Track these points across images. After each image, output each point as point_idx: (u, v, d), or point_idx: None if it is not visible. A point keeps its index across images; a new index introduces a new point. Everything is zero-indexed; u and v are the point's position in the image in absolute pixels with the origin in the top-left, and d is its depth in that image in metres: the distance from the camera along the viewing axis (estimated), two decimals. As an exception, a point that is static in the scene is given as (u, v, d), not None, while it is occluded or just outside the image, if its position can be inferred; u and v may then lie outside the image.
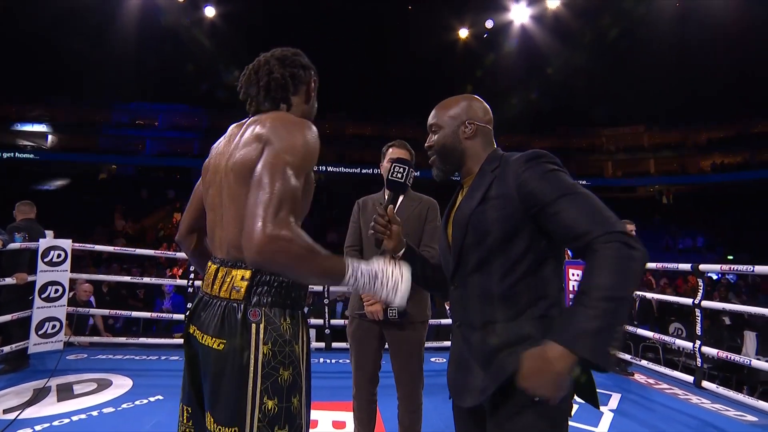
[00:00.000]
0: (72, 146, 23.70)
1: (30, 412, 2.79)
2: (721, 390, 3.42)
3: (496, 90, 23.56)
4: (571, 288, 4.81)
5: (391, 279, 0.97)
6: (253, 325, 0.98)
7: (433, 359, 4.15)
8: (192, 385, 1.08)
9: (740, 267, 3.33)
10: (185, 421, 1.10)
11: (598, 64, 23.61)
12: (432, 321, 2.22)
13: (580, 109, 25.99)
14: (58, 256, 3.99)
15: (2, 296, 3.84)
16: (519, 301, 1.03)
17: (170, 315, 4.82)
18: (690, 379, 3.66)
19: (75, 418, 2.74)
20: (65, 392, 3.17)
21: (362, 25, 22.89)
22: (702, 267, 3.52)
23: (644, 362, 4.19)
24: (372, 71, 23.90)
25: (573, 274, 4.85)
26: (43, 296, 3.89)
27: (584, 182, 26.58)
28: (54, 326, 3.93)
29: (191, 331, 1.07)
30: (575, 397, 1.05)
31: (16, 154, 22.61)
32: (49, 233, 4.07)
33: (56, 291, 3.97)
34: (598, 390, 1.04)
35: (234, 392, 0.95)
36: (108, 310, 4.93)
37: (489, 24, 22.39)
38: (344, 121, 26.95)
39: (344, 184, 24.96)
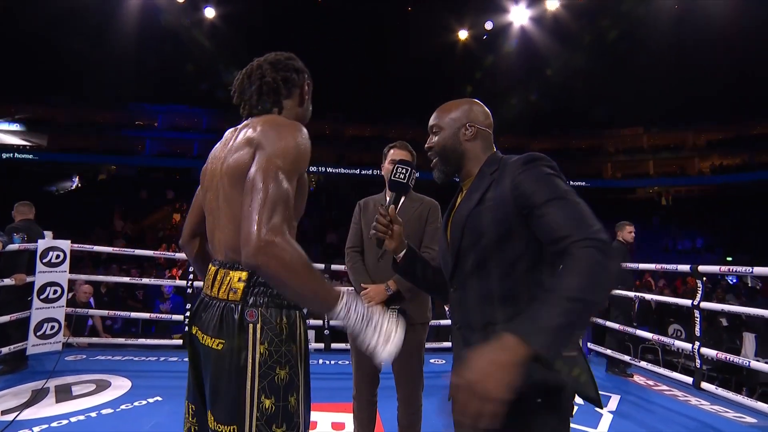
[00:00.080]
0: (72, 146, 23.68)
1: (28, 414, 2.78)
2: (721, 391, 3.42)
3: (495, 91, 23.58)
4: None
5: (384, 330, 0.92)
6: (250, 326, 1.00)
7: (432, 360, 4.15)
8: (196, 384, 1.11)
9: (739, 268, 3.33)
10: (190, 419, 1.13)
11: (598, 65, 23.64)
12: (432, 322, 2.21)
13: (579, 110, 26.00)
14: (57, 256, 3.98)
15: (1, 297, 3.82)
16: (518, 303, 1.03)
17: (169, 316, 4.81)
18: (689, 380, 3.66)
19: (73, 419, 2.74)
20: (64, 393, 3.16)
21: (362, 26, 22.90)
22: (701, 268, 3.53)
23: (643, 363, 4.19)
24: (371, 72, 23.90)
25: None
26: (41, 297, 3.88)
27: (583, 183, 26.65)
28: (53, 327, 3.92)
29: (194, 331, 1.10)
30: (576, 397, 1.05)
31: (15, 154, 22.59)
32: (48, 234, 4.06)
33: (55, 292, 3.96)
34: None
35: (233, 391, 0.98)
36: (107, 311, 4.93)
37: (489, 25, 22.42)
38: (343, 122, 26.96)
39: (343, 185, 24.95)
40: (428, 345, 2.29)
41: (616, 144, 27.94)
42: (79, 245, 4.28)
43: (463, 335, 1.12)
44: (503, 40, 23.25)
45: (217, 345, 1.01)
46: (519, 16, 21.75)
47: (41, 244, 3.93)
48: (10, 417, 2.68)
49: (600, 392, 1.06)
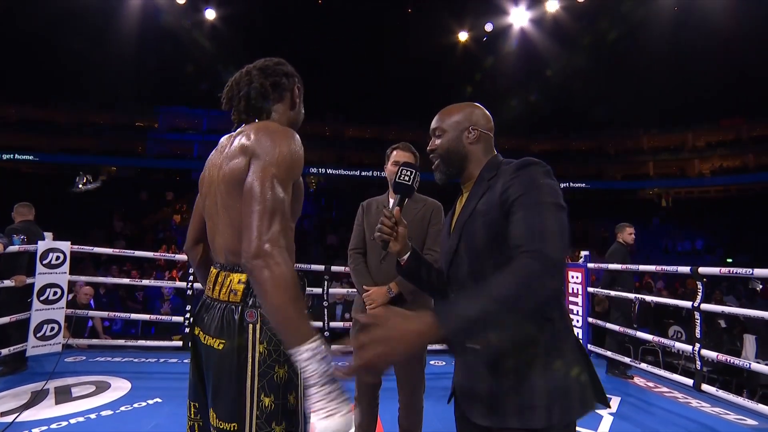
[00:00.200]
0: (72, 147, 23.70)
1: (28, 415, 2.78)
2: (721, 393, 3.41)
3: (495, 93, 23.61)
4: (570, 291, 4.81)
5: (332, 404, 0.86)
6: (250, 326, 1.04)
7: (432, 362, 4.15)
8: (198, 383, 1.15)
9: (739, 270, 3.33)
10: (193, 416, 1.17)
11: (597, 67, 23.67)
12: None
13: (579, 111, 26.04)
14: (57, 258, 3.98)
15: (1, 298, 3.82)
16: None
17: (169, 317, 4.81)
18: (690, 382, 3.66)
19: (73, 420, 2.73)
20: (63, 395, 3.16)
21: (362, 27, 22.93)
22: (701, 270, 3.52)
23: (644, 365, 4.18)
24: (371, 74, 23.92)
25: (572, 277, 4.85)
26: (41, 298, 3.88)
27: (583, 185, 26.65)
28: (52, 328, 3.92)
29: (196, 332, 1.14)
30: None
31: (16, 155, 22.60)
32: (48, 235, 4.06)
33: (55, 293, 3.96)
34: None
35: (234, 390, 1.01)
36: (107, 313, 4.92)
37: (488, 27, 22.44)
38: (343, 123, 26.99)
39: (343, 186, 24.98)
40: (429, 347, 2.28)
41: (615, 145, 27.96)
42: (79, 246, 4.27)
43: None
44: (503, 42, 23.28)
45: (219, 345, 1.04)
46: (519, 18, 21.77)
47: (41, 246, 3.92)
48: (9, 418, 2.68)
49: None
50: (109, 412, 2.88)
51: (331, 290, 4.56)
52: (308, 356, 0.88)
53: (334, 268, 4.63)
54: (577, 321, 4.61)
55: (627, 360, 4.24)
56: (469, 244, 1.09)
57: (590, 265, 4.79)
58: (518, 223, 0.97)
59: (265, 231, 0.93)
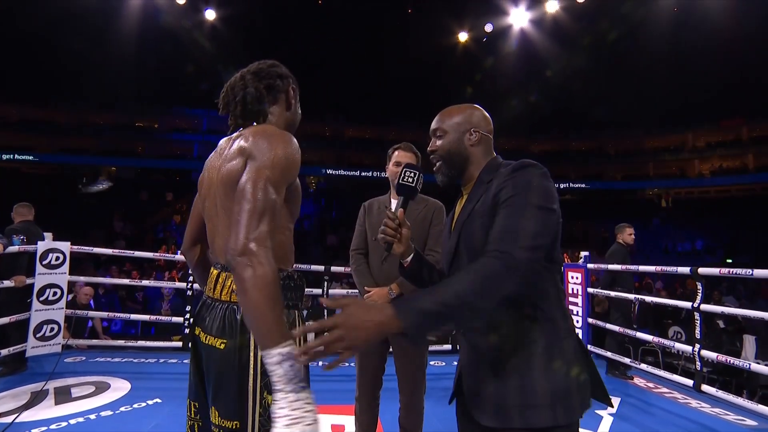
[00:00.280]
0: (72, 148, 23.69)
1: (27, 416, 2.78)
2: (721, 394, 3.42)
3: (495, 93, 23.60)
4: (570, 291, 4.81)
5: (300, 410, 0.85)
6: None
7: (432, 362, 4.15)
8: (198, 383, 1.16)
9: (739, 270, 3.33)
10: (193, 416, 1.18)
11: (597, 67, 23.68)
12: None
13: (579, 112, 26.04)
14: (57, 258, 3.98)
15: (0, 299, 3.82)
16: (519, 306, 1.04)
17: (169, 318, 4.81)
18: (689, 382, 3.66)
19: (73, 421, 2.73)
20: (63, 395, 3.16)
21: (362, 27, 22.93)
22: (701, 270, 3.52)
23: (644, 366, 4.18)
24: (371, 74, 23.92)
25: (572, 277, 4.85)
26: (41, 299, 3.88)
27: (583, 185, 26.61)
28: (52, 329, 3.92)
29: (196, 332, 1.16)
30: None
31: (16, 155, 22.60)
32: (48, 235, 4.06)
33: (55, 294, 3.96)
34: None
35: (235, 388, 1.03)
36: (107, 313, 4.92)
37: (488, 28, 22.44)
38: (343, 124, 26.99)
39: (343, 187, 24.98)
40: (430, 348, 2.29)
41: (615, 146, 27.96)
42: (79, 247, 4.27)
43: (467, 339, 1.13)
44: (503, 42, 23.28)
45: (220, 344, 1.06)
46: (519, 19, 21.78)
47: (41, 246, 3.92)
48: (9, 419, 2.68)
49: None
50: (109, 413, 2.88)
51: (331, 291, 4.56)
52: (278, 360, 0.87)
53: (333, 269, 4.63)
54: (577, 321, 4.61)
55: (627, 360, 4.24)
56: (467, 244, 1.10)
57: (590, 265, 4.79)
58: (497, 223, 1.00)
59: (253, 230, 0.94)
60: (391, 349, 2.08)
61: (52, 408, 2.92)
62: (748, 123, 24.36)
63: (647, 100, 24.15)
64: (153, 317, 4.99)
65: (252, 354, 1.04)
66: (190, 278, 4.37)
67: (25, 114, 23.52)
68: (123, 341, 4.77)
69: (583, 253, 4.91)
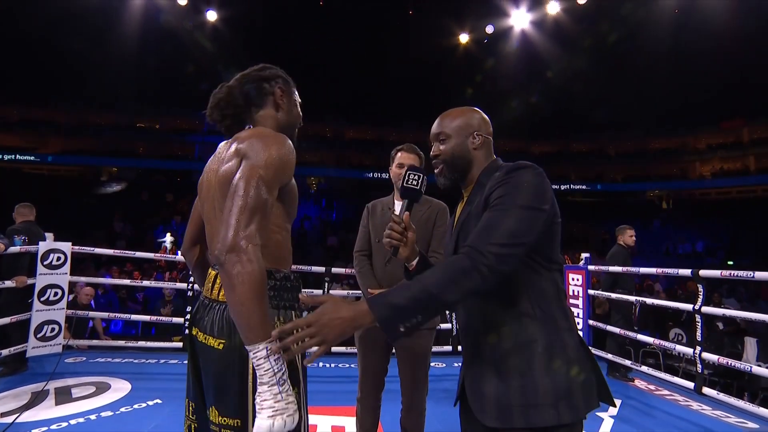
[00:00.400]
0: (73, 148, 23.74)
1: (28, 416, 2.78)
2: (722, 396, 3.41)
3: (496, 94, 23.62)
4: (571, 293, 4.81)
5: (281, 403, 0.93)
6: None
7: (433, 364, 4.13)
8: (196, 383, 1.17)
9: (740, 273, 3.32)
10: (190, 416, 1.19)
11: (598, 69, 23.68)
12: (431, 326, 2.20)
13: (580, 113, 26.04)
14: (58, 258, 3.98)
15: (2, 299, 3.83)
16: (518, 305, 1.05)
17: (169, 318, 4.81)
18: (690, 385, 3.65)
19: (73, 421, 2.73)
20: (63, 395, 3.16)
21: (363, 28, 22.96)
22: (702, 273, 3.52)
23: (644, 368, 4.17)
24: (372, 75, 23.95)
25: (573, 279, 4.85)
26: (42, 299, 3.88)
27: (584, 187, 26.56)
28: (53, 329, 3.92)
29: (194, 333, 1.16)
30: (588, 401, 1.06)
31: (17, 156, 22.65)
32: (49, 236, 4.06)
33: (55, 294, 3.96)
34: None
35: (236, 387, 1.05)
36: (108, 314, 4.92)
37: (489, 29, 22.46)
38: (344, 125, 27.01)
39: (344, 188, 24.98)
40: (432, 349, 2.27)
41: (616, 147, 27.96)
42: (80, 247, 4.28)
43: (469, 339, 1.14)
44: (504, 44, 23.30)
45: (219, 345, 1.07)
46: (520, 20, 21.80)
47: (42, 246, 3.93)
48: (9, 419, 2.68)
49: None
50: (109, 413, 2.88)
51: (331, 292, 4.56)
52: (264, 355, 0.93)
53: (334, 270, 4.63)
54: (578, 323, 4.60)
55: (628, 362, 4.24)
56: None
57: (591, 267, 4.78)
58: (479, 223, 1.02)
59: (243, 227, 0.97)
60: (394, 351, 2.08)
61: (53, 408, 2.92)
62: (748, 124, 24.36)
63: (648, 102, 24.15)
64: (153, 318, 4.99)
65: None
66: (191, 279, 4.38)
67: (25, 114, 23.58)
68: (123, 342, 4.77)
69: (583, 255, 4.91)
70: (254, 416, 1.02)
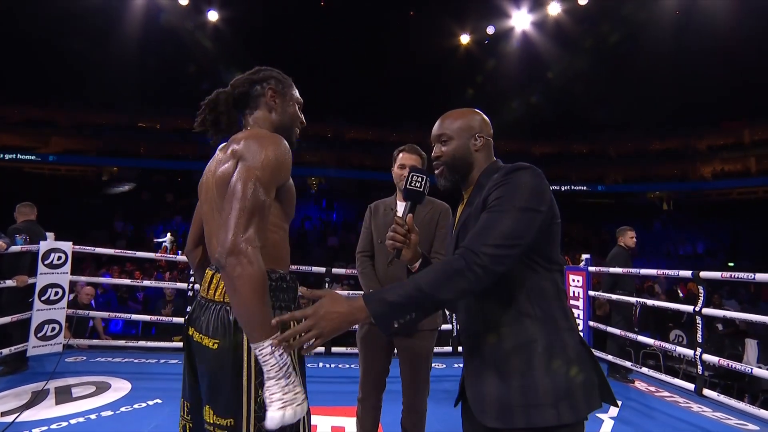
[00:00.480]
0: (74, 148, 23.77)
1: (28, 415, 2.78)
2: (723, 398, 3.41)
3: (497, 95, 23.62)
4: (571, 294, 4.81)
5: (290, 395, 0.97)
6: None
7: (433, 364, 4.14)
8: (192, 382, 1.18)
9: (741, 274, 3.32)
10: (185, 415, 1.20)
11: (599, 70, 23.68)
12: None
13: (580, 114, 26.02)
14: (59, 258, 3.99)
15: (3, 298, 3.83)
16: (518, 305, 1.05)
17: (170, 318, 4.81)
18: (691, 386, 3.65)
19: (73, 421, 2.73)
20: (64, 395, 3.16)
21: (364, 29, 22.98)
22: (703, 274, 3.51)
23: (645, 369, 4.17)
24: (373, 76, 23.96)
25: (574, 280, 4.85)
26: (42, 299, 3.88)
27: (585, 188, 26.51)
28: (53, 329, 3.92)
29: (190, 332, 1.18)
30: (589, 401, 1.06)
31: (18, 155, 22.68)
32: (50, 235, 4.07)
33: (56, 293, 3.96)
34: None
35: (230, 386, 1.06)
36: (108, 313, 4.92)
37: (490, 30, 22.47)
38: (345, 125, 27.02)
39: (345, 188, 24.98)
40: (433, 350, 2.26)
41: (617, 148, 27.94)
42: (81, 247, 4.28)
43: (470, 340, 1.14)
44: (505, 45, 23.30)
45: (213, 345, 1.08)
46: (520, 21, 21.81)
47: (43, 246, 3.93)
48: (10, 418, 2.68)
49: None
50: (110, 413, 2.88)
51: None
52: (269, 351, 0.97)
53: (335, 270, 4.63)
54: (579, 324, 4.60)
55: (628, 364, 4.23)
56: None
57: (591, 268, 4.78)
58: (476, 224, 1.03)
59: (242, 230, 0.99)
60: (395, 351, 2.08)
61: (53, 408, 2.93)
62: (750, 126, 24.32)
63: (649, 103, 24.13)
64: (154, 317, 5.00)
65: (245, 353, 1.06)
66: (191, 279, 4.38)
67: (27, 114, 23.62)
68: (124, 341, 4.77)
69: (584, 256, 4.90)
70: (249, 416, 1.04)
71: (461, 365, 1.20)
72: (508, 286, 1.06)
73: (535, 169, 1.06)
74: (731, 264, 16.42)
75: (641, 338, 4.28)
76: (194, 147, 23.69)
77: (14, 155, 22.57)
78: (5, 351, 3.59)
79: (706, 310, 3.56)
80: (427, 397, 2.05)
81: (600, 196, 26.76)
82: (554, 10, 20.44)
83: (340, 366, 4.20)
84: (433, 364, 2.18)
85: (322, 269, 4.54)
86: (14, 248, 3.70)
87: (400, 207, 2.08)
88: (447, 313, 3.96)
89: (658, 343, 4.19)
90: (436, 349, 4.64)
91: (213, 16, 20.91)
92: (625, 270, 4.30)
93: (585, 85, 23.86)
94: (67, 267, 4.04)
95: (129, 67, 21.35)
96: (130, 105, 24.31)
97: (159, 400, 3.12)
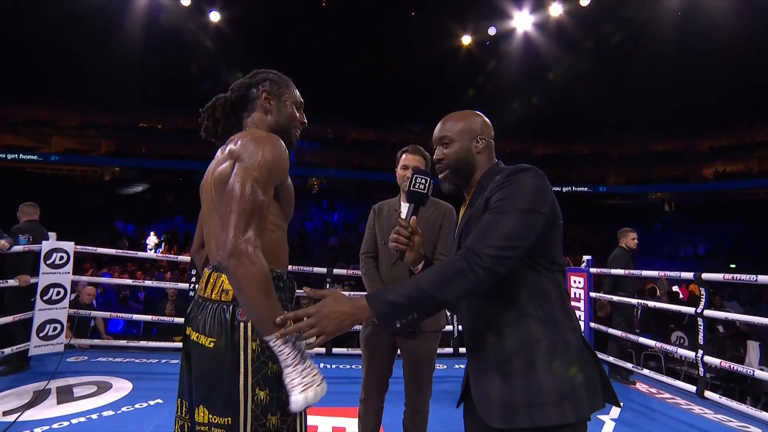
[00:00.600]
0: (76, 148, 23.83)
1: (29, 415, 2.79)
2: (724, 400, 3.40)
3: (498, 96, 23.63)
4: (573, 295, 4.80)
5: (309, 378, 1.01)
6: (241, 324, 1.09)
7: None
8: (189, 381, 1.17)
9: (743, 276, 3.31)
10: (183, 415, 1.21)
11: (601, 71, 23.67)
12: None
13: (582, 116, 26.01)
14: (61, 258, 4.00)
15: (5, 298, 3.84)
16: (521, 305, 1.06)
17: (171, 318, 4.82)
18: (692, 388, 3.64)
19: (74, 420, 2.74)
20: (65, 395, 3.17)
21: (365, 30, 23.01)
22: (704, 276, 3.51)
23: (646, 371, 4.16)
24: (375, 77, 23.99)
25: (575, 281, 4.84)
26: (44, 298, 3.89)
27: (586, 189, 26.47)
28: (55, 328, 3.93)
29: (187, 332, 1.18)
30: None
31: (20, 155, 22.73)
32: (52, 235, 4.07)
33: (58, 293, 3.97)
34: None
35: (227, 385, 1.06)
36: (110, 313, 4.93)
37: (492, 31, 22.48)
38: (346, 126, 27.05)
39: (346, 189, 25.01)
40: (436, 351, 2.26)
41: (618, 150, 27.91)
42: (83, 247, 4.29)
43: (472, 340, 1.14)
44: (506, 46, 23.31)
45: (209, 343, 1.09)
46: (522, 22, 21.81)
47: (45, 246, 3.94)
48: (11, 418, 2.69)
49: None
50: (111, 413, 2.88)
51: (332, 292, 4.56)
52: (284, 341, 1.00)
53: (336, 271, 4.63)
54: (580, 325, 4.59)
55: (629, 365, 4.22)
56: None
57: (593, 270, 4.78)
58: (478, 226, 1.03)
59: (242, 231, 1.00)
60: (399, 352, 2.08)
61: (54, 407, 2.93)
62: (752, 127, 24.27)
63: (650, 104, 24.11)
64: (155, 317, 5.00)
65: (242, 352, 1.07)
66: (193, 279, 4.39)
67: (29, 114, 23.68)
68: (125, 341, 4.78)
69: (585, 257, 4.90)
70: (246, 415, 1.05)
71: (462, 366, 1.21)
72: (510, 287, 1.06)
73: (536, 171, 1.07)
74: (733, 265, 16.39)
75: (642, 340, 4.27)
76: (195, 147, 23.73)
77: (16, 155, 22.64)
78: (7, 350, 3.59)
79: (707, 312, 3.55)
80: (430, 398, 2.05)
81: (601, 198, 26.73)
82: (556, 11, 20.45)
83: (341, 367, 4.20)
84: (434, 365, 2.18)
85: (323, 270, 4.54)
86: (17, 248, 3.70)
87: (404, 208, 2.08)
88: (448, 314, 3.96)
89: (659, 344, 4.18)
90: (438, 351, 4.65)
91: (215, 16, 20.97)
92: (627, 271, 4.30)
93: (586, 86, 23.86)
94: (69, 267, 4.04)
95: (131, 67, 21.41)
96: (132, 105, 24.35)
97: (160, 400, 3.12)
